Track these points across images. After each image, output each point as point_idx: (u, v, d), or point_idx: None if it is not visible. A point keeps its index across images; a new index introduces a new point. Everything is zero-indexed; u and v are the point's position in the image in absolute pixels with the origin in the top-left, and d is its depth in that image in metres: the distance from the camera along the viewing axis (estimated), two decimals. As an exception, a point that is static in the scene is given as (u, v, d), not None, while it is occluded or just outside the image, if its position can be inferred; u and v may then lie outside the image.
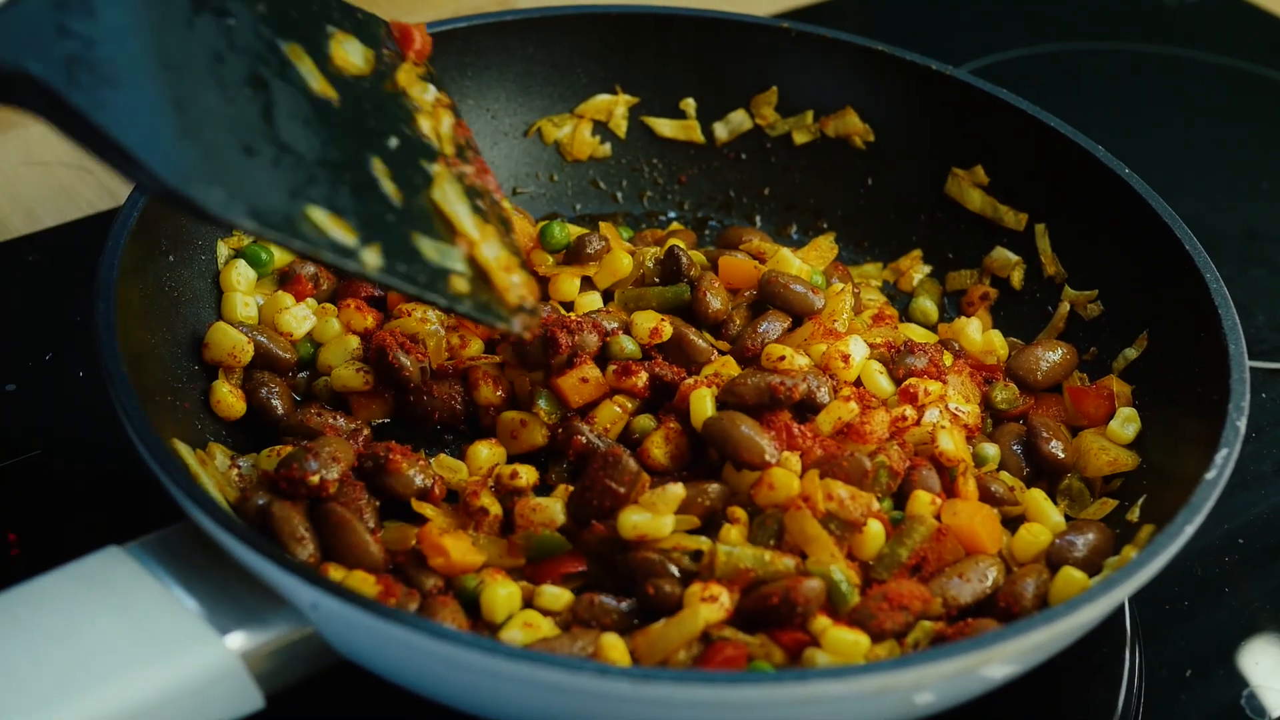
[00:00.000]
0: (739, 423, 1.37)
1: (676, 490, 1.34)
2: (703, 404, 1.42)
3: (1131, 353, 1.58)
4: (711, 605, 1.27)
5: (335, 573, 1.30)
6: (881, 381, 1.50)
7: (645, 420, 1.46)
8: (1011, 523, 1.43)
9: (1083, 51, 2.34)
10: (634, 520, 1.33)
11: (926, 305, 1.72)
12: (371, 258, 1.23)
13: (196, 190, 1.11)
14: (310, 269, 1.59)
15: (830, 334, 1.52)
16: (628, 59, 1.81)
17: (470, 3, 2.31)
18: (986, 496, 1.42)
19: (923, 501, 1.38)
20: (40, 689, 1.11)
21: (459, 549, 1.34)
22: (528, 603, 1.33)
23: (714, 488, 1.38)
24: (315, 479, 1.33)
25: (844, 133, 1.81)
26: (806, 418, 1.43)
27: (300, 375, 1.54)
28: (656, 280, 1.62)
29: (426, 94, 1.46)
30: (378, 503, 1.39)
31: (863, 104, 1.80)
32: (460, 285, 1.31)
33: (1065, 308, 1.67)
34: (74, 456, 1.52)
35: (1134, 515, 1.41)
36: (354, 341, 1.53)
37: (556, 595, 1.33)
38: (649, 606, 1.30)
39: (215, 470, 1.38)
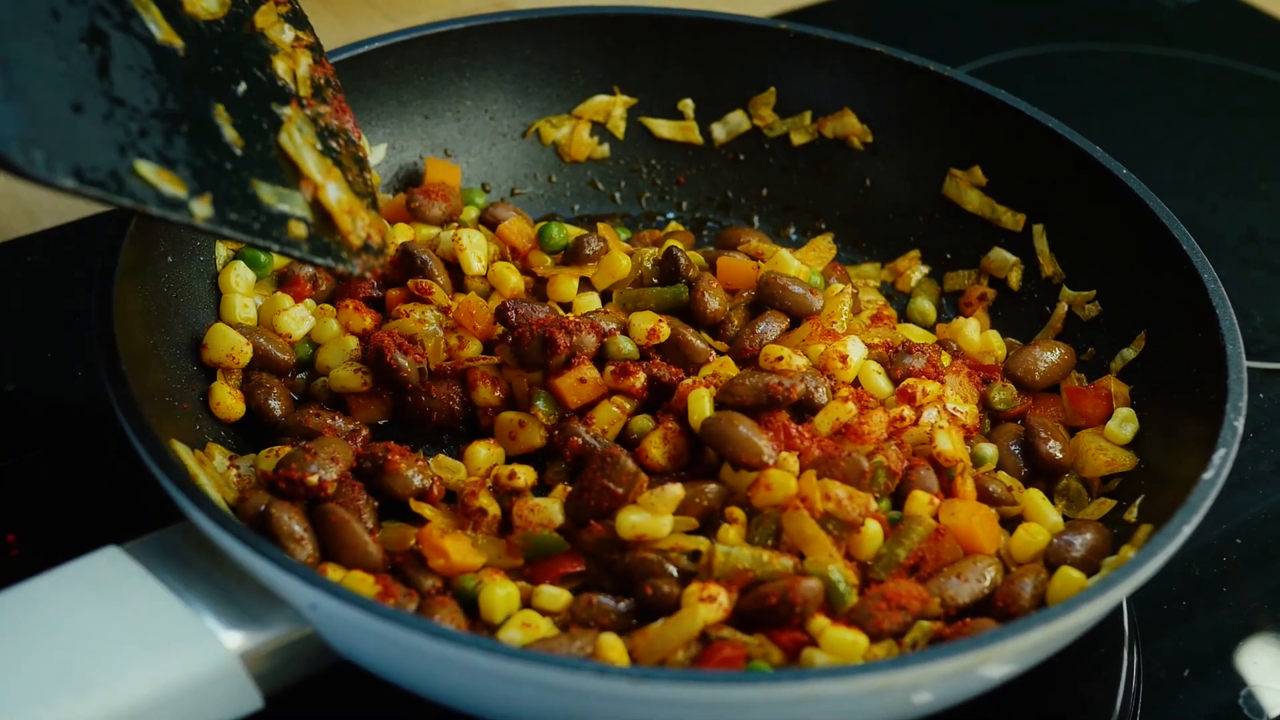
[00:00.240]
0: (737, 423, 1.37)
1: (675, 491, 1.34)
2: (701, 404, 1.42)
3: (1129, 353, 1.58)
4: (710, 605, 1.27)
5: (334, 573, 1.30)
6: (879, 382, 1.50)
7: (643, 421, 1.46)
8: (1009, 523, 1.43)
9: (1081, 52, 2.34)
10: (632, 520, 1.33)
11: (924, 306, 1.72)
12: (201, 208, 1.22)
13: (14, 151, 1.09)
14: (308, 271, 1.59)
15: (828, 334, 1.52)
16: (626, 60, 1.81)
17: (468, 3, 2.31)
18: (984, 497, 1.43)
19: (921, 502, 1.38)
20: (40, 689, 1.11)
21: (459, 550, 1.34)
22: (526, 603, 1.33)
23: (712, 488, 1.38)
24: (314, 479, 1.33)
25: (842, 133, 1.81)
26: (804, 418, 1.43)
27: (299, 376, 1.54)
28: (655, 281, 1.62)
29: (285, 34, 1.46)
30: (376, 503, 1.39)
31: (861, 105, 1.80)
32: (298, 229, 1.31)
33: (1063, 308, 1.67)
34: (74, 456, 1.52)
35: (1132, 515, 1.41)
36: (352, 342, 1.53)
37: (555, 595, 1.33)
38: (647, 607, 1.30)
39: (214, 471, 1.38)
